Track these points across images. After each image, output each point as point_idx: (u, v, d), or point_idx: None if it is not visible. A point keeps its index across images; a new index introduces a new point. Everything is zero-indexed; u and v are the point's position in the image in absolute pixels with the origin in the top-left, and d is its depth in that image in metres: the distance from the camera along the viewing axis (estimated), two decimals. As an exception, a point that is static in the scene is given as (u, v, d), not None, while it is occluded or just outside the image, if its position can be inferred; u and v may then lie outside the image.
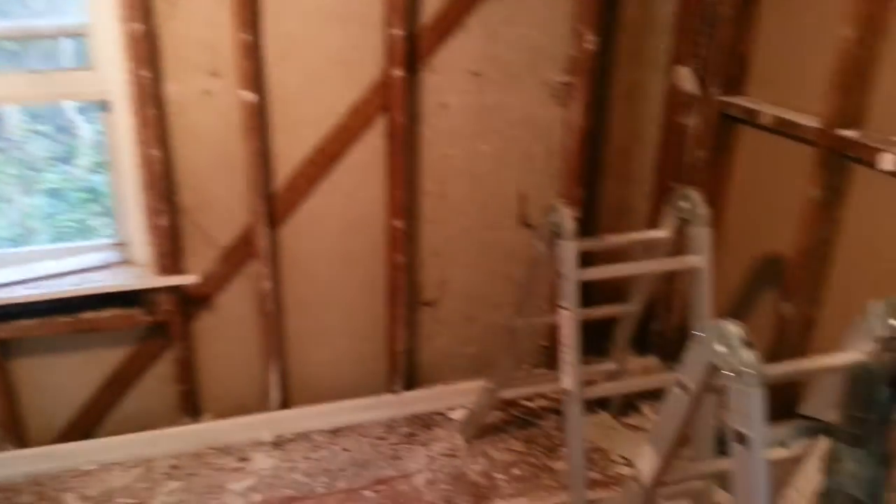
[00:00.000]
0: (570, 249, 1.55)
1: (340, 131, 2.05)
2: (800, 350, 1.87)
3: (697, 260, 1.62)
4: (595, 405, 2.22)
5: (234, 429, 2.17)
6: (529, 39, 2.11)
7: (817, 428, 1.02)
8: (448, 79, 2.09)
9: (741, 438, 0.96)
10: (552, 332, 2.34)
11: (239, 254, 2.08)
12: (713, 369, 1.05)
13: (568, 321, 1.53)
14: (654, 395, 2.32)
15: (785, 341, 1.86)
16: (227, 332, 2.15)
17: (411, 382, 2.33)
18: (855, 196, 1.72)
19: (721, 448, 1.81)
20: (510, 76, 2.13)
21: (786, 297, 1.83)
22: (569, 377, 1.52)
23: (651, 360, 2.46)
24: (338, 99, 2.02)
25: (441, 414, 2.26)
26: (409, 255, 2.20)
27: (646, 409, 2.24)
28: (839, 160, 1.70)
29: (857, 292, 1.75)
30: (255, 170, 1.98)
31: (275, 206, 2.06)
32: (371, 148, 2.09)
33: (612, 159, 2.33)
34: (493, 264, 2.32)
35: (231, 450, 2.13)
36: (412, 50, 2.02)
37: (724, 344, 1.02)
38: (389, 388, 2.29)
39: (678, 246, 1.90)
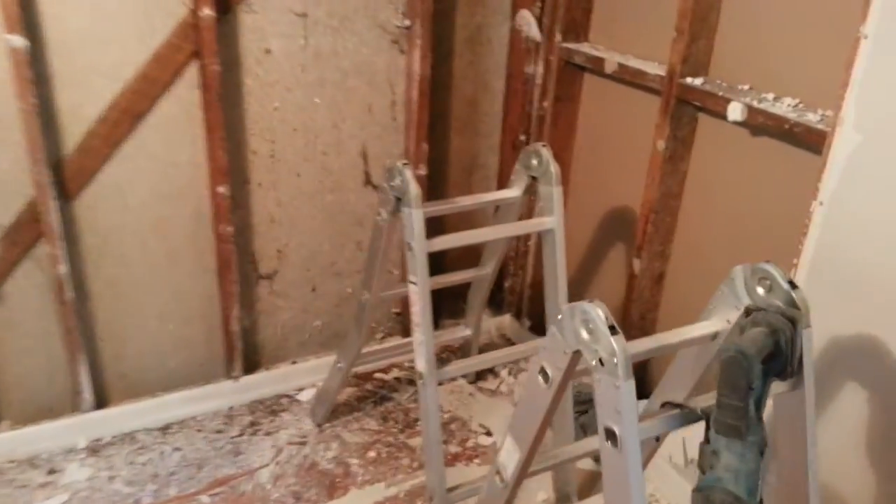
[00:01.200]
0: (416, 218, 1.38)
1: (143, 82, 1.73)
2: (651, 306, 1.86)
3: (550, 221, 1.52)
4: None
5: (40, 437, 1.85)
6: (362, -24, 1.88)
7: (692, 417, 0.95)
8: (269, 19, 1.81)
9: (610, 436, 0.86)
10: (404, 300, 2.19)
11: (25, 234, 1.73)
12: (576, 356, 0.94)
13: (418, 297, 1.37)
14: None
15: (636, 298, 1.83)
16: (22, 326, 1.80)
17: (252, 365, 2.10)
18: (702, 147, 1.70)
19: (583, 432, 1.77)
20: (342, 18, 1.90)
21: (636, 253, 1.79)
22: (421, 358, 1.38)
23: (505, 319, 2.40)
24: (137, 43, 1.69)
25: (288, 397, 2.06)
26: (239, 224, 1.94)
27: (503, 372, 2.17)
28: (686, 110, 1.66)
29: (702, 247, 1.74)
30: (35, 132, 1.62)
31: (65, 174, 1.72)
32: (183, 102, 1.78)
33: (459, 111, 2.18)
34: (338, 229, 2.12)
35: (38, 462, 1.81)
36: (224, -15, 1.73)
37: (588, 329, 0.91)
38: (228, 374, 2.05)
39: (530, 204, 1.81)
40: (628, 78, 1.79)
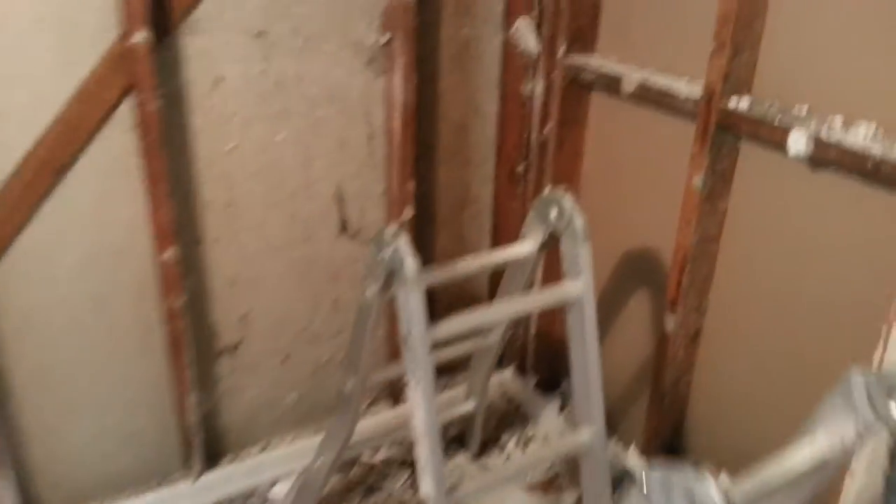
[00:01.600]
0: (415, 301, 1.07)
1: (65, 127, 1.40)
2: (685, 367, 1.58)
3: (576, 288, 1.23)
4: (451, 442, 1.83)
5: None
6: (329, -13, 1.57)
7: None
8: (220, 41, 1.50)
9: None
10: (394, 346, 1.89)
11: (-78, 320, 1.39)
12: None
13: (420, 401, 1.07)
14: (517, 421, 1.98)
15: (670, 360, 1.55)
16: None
17: (216, 454, 1.77)
18: (744, 181, 1.42)
19: None
20: (307, 37, 1.58)
21: (670, 308, 1.51)
22: (428, 478, 1.08)
23: (507, 375, 2.10)
24: (54, 79, 1.36)
25: (259, 496, 1.73)
26: (193, 291, 1.62)
27: (510, 443, 1.87)
28: (726, 138, 1.38)
29: (744, 299, 1.46)
30: (-76, 197, 1.29)
31: (-31, 247, 1.39)
32: (116, 148, 1.46)
33: (447, 139, 1.88)
34: (311, 286, 1.80)
35: None
36: (160, 1, 1.40)
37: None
38: (185, 472, 1.72)
39: (548, 258, 1.52)
40: (652, 98, 1.51)
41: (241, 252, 1.68)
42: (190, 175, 1.56)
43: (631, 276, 1.72)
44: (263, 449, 1.82)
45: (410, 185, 1.75)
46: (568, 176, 1.83)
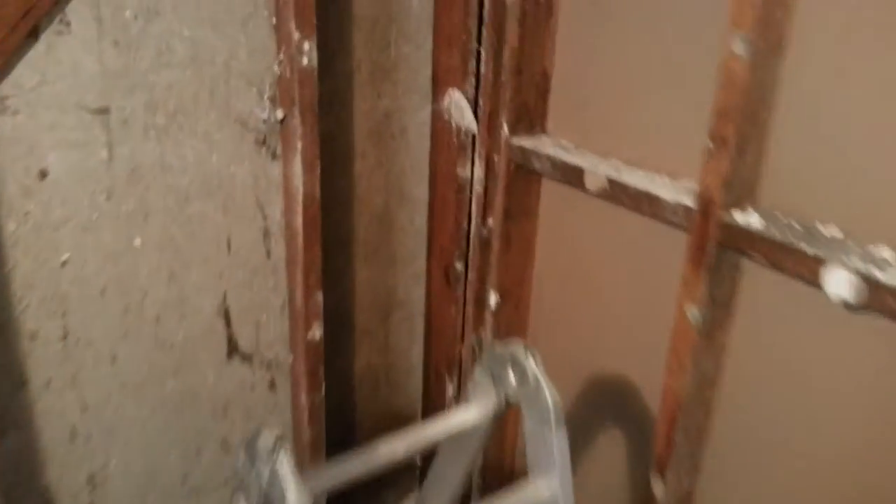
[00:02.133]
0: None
1: None
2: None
3: (546, 488, 0.86)
4: None
5: None
6: (201, 45, 1.18)
7: None
8: (44, 122, 1.08)
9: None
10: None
11: None
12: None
13: None
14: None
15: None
16: None
17: None
18: (749, 310, 1.09)
19: None
20: (173, 112, 1.19)
21: (658, 470, 1.16)
22: None
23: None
24: None
25: None
26: (13, 453, 1.17)
27: None
28: (726, 257, 1.05)
29: (747, 455, 1.13)
30: None
31: None
32: None
33: (366, 232, 1.50)
34: (190, 426, 1.38)
35: None
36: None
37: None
38: None
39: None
40: (625, 199, 1.18)
41: (86, 395, 1.24)
42: (4, 300, 1.12)
43: (601, 418, 1.37)
44: None
45: (318, 297, 1.36)
46: (516, 280, 1.48)
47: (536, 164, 1.32)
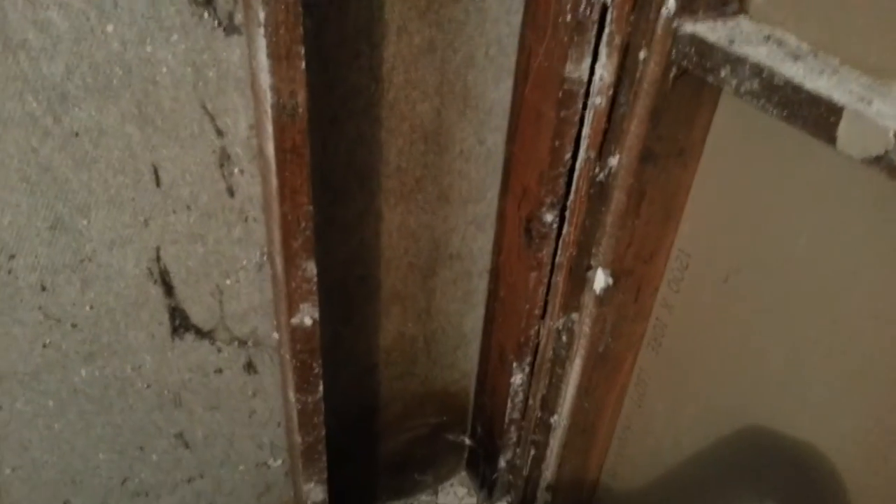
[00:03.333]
0: None
1: None
2: None
3: None
4: None
5: None
6: None
7: None
8: None
9: None
10: None
11: None
12: None
13: None
14: None
15: None
16: None
17: None
18: None
19: None
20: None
21: None
22: None
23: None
24: None
25: None
26: None
27: None
28: None
29: None
30: None
31: None
32: None
33: (402, 157, 0.91)
34: (124, 423, 0.94)
35: None
36: None
37: None
38: None
39: None
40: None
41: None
42: None
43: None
44: None
45: (307, 267, 0.82)
46: (644, 255, 0.88)
47: (725, 73, 0.67)
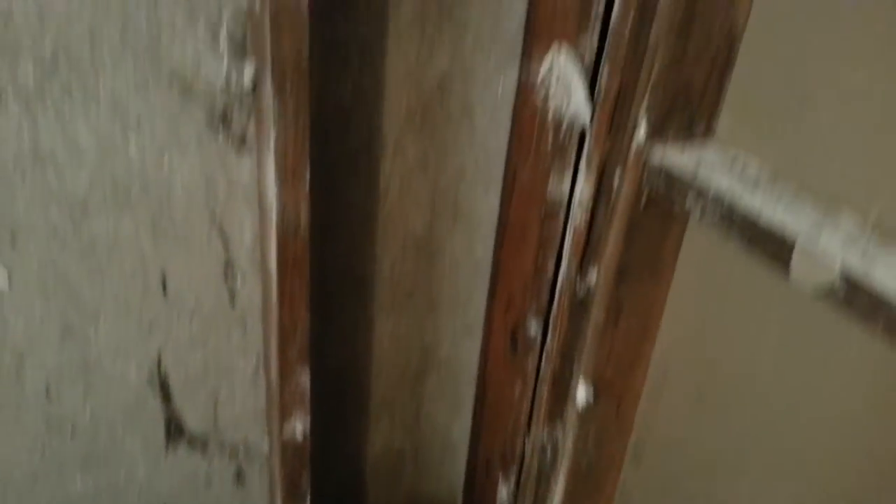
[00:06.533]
0: None
1: None
2: None
3: None
4: None
5: None
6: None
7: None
8: None
9: None
10: None
11: None
12: None
13: None
14: None
15: None
16: None
17: None
18: None
19: None
20: (52, 61, 0.68)
21: None
22: None
23: None
24: None
25: None
26: None
27: None
28: None
29: None
30: None
31: None
32: None
33: (395, 267, 0.96)
34: None
35: None
36: None
37: None
38: None
39: None
40: (869, 312, 0.59)
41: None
42: None
43: None
44: None
45: (301, 377, 0.85)
46: (623, 368, 0.92)
47: (689, 202, 0.74)
